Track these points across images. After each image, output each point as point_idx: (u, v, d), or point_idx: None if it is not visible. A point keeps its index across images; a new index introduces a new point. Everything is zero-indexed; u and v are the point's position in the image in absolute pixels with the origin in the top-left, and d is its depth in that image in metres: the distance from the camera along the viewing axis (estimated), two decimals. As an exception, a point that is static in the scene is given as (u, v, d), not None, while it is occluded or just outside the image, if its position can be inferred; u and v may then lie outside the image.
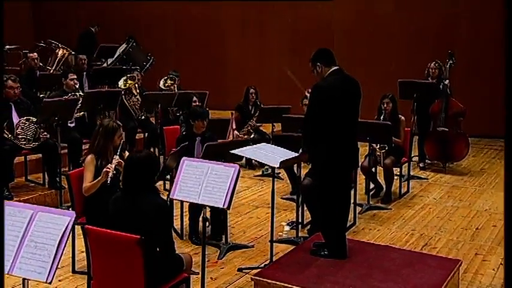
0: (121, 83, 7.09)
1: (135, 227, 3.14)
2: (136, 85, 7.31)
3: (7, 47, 8.73)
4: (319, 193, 4.35)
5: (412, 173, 7.39)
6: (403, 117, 6.71)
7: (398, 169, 6.83)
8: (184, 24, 11.67)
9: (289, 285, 3.78)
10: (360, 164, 5.73)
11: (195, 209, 5.12)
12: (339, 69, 4.24)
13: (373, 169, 6.53)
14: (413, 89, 7.54)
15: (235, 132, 7.71)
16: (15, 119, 5.88)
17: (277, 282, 3.83)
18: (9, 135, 5.72)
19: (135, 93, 6.98)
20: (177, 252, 3.54)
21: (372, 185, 6.56)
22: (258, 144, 4.62)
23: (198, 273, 3.99)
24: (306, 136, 4.26)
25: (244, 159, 8.03)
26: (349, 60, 10.52)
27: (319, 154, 4.18)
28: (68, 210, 2.78)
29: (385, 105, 6.63)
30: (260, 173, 7.71)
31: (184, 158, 3.99)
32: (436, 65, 8.06)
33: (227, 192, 3.72)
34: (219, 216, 5.20)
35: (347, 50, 10.45)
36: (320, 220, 4.61)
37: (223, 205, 3.70)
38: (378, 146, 6.44)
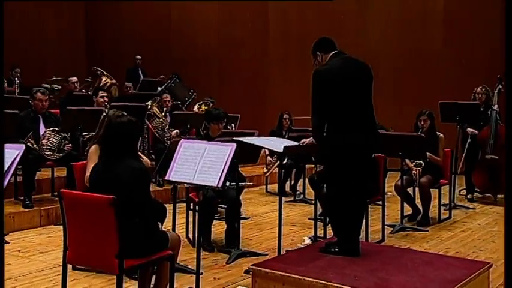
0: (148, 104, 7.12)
1: (111, 193, 2.97)
2: (164, 107, 7.31)
3: (53, 78, 9.08)
4: (327, 182, 4.01)
5: (456, 202, 6.86)
6: (442, 135, 6.28)
7: (437, 191, 6.34)
8: (228, 62, 11.83)
9: (287, 274, 3.42)
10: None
11: (207, 216, 4.90)
12: (339, 52, 3.99)
13: (412, 192, 6.09)
14: (455, 110, 7.12)
15: (268, 157, 7.51)
16: (42, 131, 5.96)
17: (275, 271, 3.49)
18: (34, 145, 5.78)
19: (159, 116, 6.92)
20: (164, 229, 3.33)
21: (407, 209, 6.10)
22: (268, 137, 4.39)
23: (202, 273, 3.76)
24: (314, 128, 3.95)
25: (277, 187, 7.78)
26: (397, 98, 10.28)
27: (327, 140, 3.87)
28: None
29: (422, 123, 6.24)
30: (292, 198, 7.40)
31: (183, 139, 3.84)
32: (483, 89, 7.60)
33: (222, 172, 3.52)
34: (233, 223, 4.94)
35: (394, 87, 10.19)
36: (332, 216, 4.21)
37: (217, 184, 3.49)
38: (413, 163, 6.02)
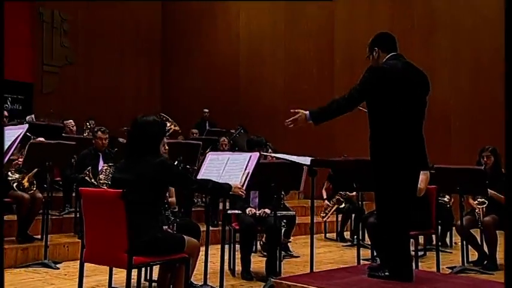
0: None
1: (137, 193, 3.04)
2: (220, 149, 7.46)
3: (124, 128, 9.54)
4: (377, 198, 3.63)
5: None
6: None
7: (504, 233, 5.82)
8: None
9: (306, 286, 3.24)
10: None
11: (247, 243, 4.82)
12: (399, 55, 3.64)
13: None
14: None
15: (326, 201, 7.33)
16: (101, 166, 6.22)
17: (298, 284, 3.31)
18: (92, 180, 6.02)
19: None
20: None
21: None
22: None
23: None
24: (329, 112, 3.63)
25: (335, 234, 7.53)
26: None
27: (377, 148, 3.54)
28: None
29: (485, 159, 5.87)
30: (349, 243, 7.11)
31: (209, 152, 3.88)
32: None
33: (242, 176, 3.49)
34: (273, 252, 4.79)
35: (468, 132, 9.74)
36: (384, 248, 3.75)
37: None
38: (476, 201, 5.63)
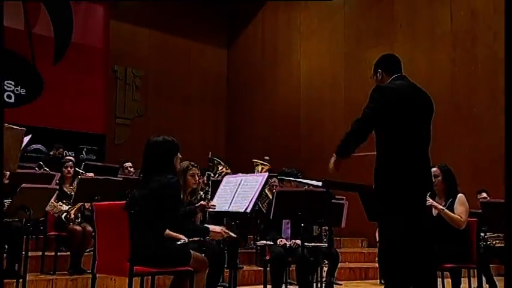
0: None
1: (142, 206, 3.22)
2: (274, 191, 7.51)
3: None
4: (380, 224, 3.64)
5: None
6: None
7: None
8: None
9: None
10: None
11: (277, 273, 4.82)
12: (403, 76, 3.67)
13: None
14: None
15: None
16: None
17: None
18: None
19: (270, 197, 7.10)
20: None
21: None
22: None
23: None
24: (354, 131, 3.55)
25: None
26: None
27: (382, 169, 3.53)
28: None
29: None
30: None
31: (227, 175, 4.01)
32: None
33: (252, 198, 3.58)
34: (303, 284, 4.74)
35: None
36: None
37: (246, 209, 3.55)
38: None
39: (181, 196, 4.34)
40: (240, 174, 3.96)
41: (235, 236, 3.62)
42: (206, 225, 3.49)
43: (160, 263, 3.23)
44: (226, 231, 3.43)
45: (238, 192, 3.70)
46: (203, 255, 3.55)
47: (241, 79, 13.97)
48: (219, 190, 3.88)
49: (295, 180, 4.22)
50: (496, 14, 9.82)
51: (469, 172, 9.60)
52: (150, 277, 3.80)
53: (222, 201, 3.77)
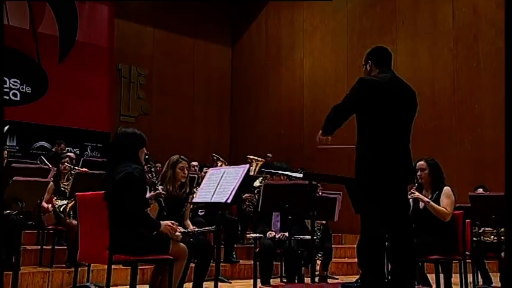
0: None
1: (109, 193, 3.29)
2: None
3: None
4: (361, 214, 3.66)
5: None
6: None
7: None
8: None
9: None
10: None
11: (266, 265, 4.87)
12: (390, 70, 3.74)
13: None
14: None
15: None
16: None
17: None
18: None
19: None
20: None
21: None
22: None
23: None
24: (329, 120, 3.67)
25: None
26: None
27: (361, 159, 3.57)
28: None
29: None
30: None
31: (211, 169, 4.08)
32: None
33: (233, 189, 3.64)
34: (291, 276, 4.79)
35: None
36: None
37: (227, 200, 3.61)
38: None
39: (170, 188, 4.42)
40: (224, 166, 4.02)
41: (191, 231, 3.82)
42: (162, 221, 3.55)
43: (140, 251, 3.30)
44: (176, 228, 3.53)
45: (220, 183, 3.76)
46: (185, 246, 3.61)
47: (245, 77, 14.03)
48: (203, 182, 3.94)
49: (276, 173, 4.28)
50: (498, 10, 9.74)
51: (470, 168, 9.59)
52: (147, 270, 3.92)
53: (205, 193, 3.83)
